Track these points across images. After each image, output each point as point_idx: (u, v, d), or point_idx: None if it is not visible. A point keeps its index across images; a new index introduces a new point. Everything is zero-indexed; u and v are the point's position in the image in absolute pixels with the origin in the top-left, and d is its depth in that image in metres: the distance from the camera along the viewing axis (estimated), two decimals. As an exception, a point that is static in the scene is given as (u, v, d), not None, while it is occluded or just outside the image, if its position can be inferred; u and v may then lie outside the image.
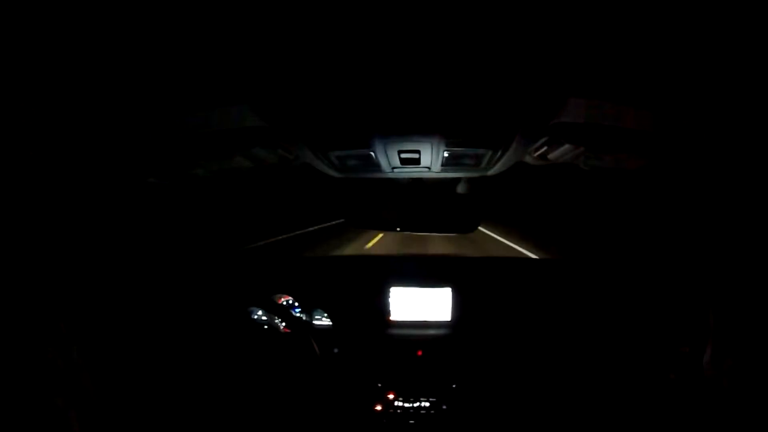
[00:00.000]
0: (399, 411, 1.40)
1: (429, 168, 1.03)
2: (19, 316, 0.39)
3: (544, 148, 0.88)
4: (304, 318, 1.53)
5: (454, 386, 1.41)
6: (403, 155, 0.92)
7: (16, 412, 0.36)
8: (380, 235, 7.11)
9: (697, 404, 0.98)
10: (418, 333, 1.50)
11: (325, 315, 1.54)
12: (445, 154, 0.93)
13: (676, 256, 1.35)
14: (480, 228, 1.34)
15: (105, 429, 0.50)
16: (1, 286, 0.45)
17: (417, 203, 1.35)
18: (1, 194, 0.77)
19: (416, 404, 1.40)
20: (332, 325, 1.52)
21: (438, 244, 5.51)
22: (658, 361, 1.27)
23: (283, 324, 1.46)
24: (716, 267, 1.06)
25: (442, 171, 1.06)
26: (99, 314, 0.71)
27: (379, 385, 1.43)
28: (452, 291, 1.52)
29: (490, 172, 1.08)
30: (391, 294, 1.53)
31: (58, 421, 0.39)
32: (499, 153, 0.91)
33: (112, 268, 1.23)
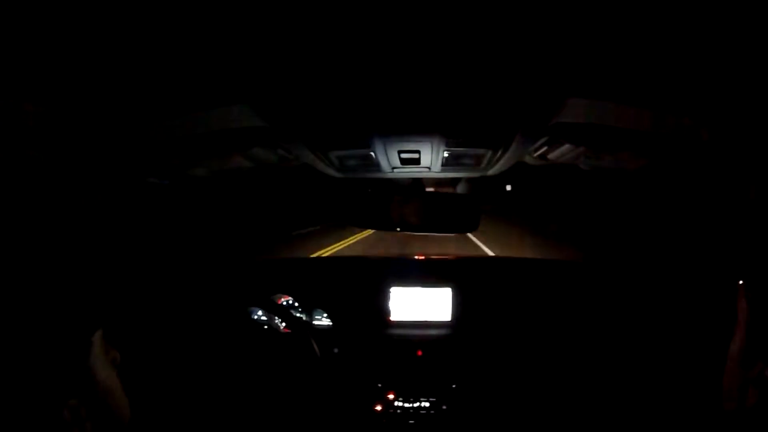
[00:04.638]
0: (399, 411, 1.40)
1: (429, 168, 1.03)
2: (24, 318, 0.39)
3: (544, 148, 0.88)
4: (304, 318, 1.53)
5: (454, 386, 1.41)
6: (403, 155, 0.92)
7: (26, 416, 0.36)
8: (359, 237, 7.22)
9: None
10: (418, 333, 1.50)
11: (325, 315, 1.54)
12: (445, 154, 0.93)
13: (676, 260, 1.35)
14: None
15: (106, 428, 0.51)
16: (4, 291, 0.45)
17: (417, 203, 1.35)
18: (1, 195, 0.77)
19: (416, 404, 1.40)
20: (332, 325, 1.52)
21: (416, 243, 5.55)
22: (661, 364, 1.27)
23: (283, 324, 1.46)
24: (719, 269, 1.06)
25: (442, 171, 1.06)
26: (101, 315, 0.71)
27: (379, 385, 1.42)
28: (452, 291, 1.52)
29: (490, 172, 1.08)
30: (391, 294, 1.53)
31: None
32: (499, 153, 0.91)
33: (113, 268, 1.23)
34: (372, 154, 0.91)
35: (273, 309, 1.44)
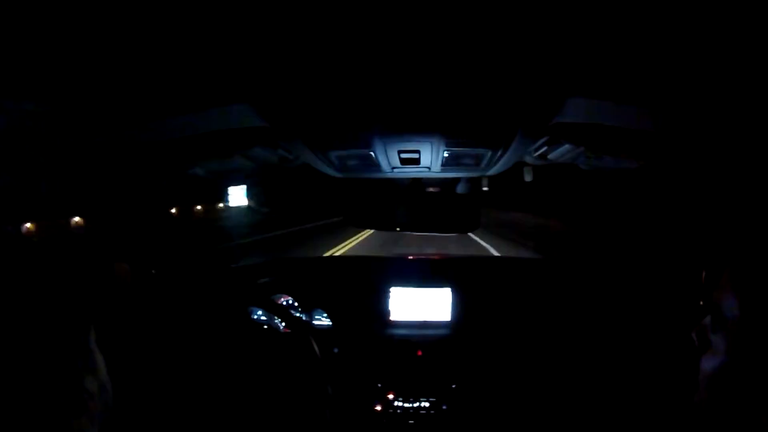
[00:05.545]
0: (399, 411, 1.40)
1: (429, 168, 1.03)
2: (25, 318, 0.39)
3: (544, 148, 0.88)
4: (304, 318, 1.53)
5: (454, 386, 1.41)
6: (403, 155, 0.92)
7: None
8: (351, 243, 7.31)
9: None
10: (418, 333, 1.50)
11: (325, 315, 1.54)
12: (445, 154, 0.93)
13: (669, 257, 1.35)
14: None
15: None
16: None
17: (417, 203, 1.34)
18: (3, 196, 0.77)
19: (416, 404, 1.40)
20: (332, 325, 1.52)
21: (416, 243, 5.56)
22: (659, 361, 1.27)
23: (283, 324, 1.46)
24: (715, 264, 1.06)
25: (442, 171, 1.06)
26: (102, 316, 0.71)
27: (379, 385, 1.42)
28: (452, 291, 1.52)
29: (490, 172, 1.08)
30: (391, 294, 1.53)
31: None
32: (499, 153, 0.91)
33: (113, 268, 1.22)
34: (372, 154, 0.91)
35: (273, 309, 1.44)
